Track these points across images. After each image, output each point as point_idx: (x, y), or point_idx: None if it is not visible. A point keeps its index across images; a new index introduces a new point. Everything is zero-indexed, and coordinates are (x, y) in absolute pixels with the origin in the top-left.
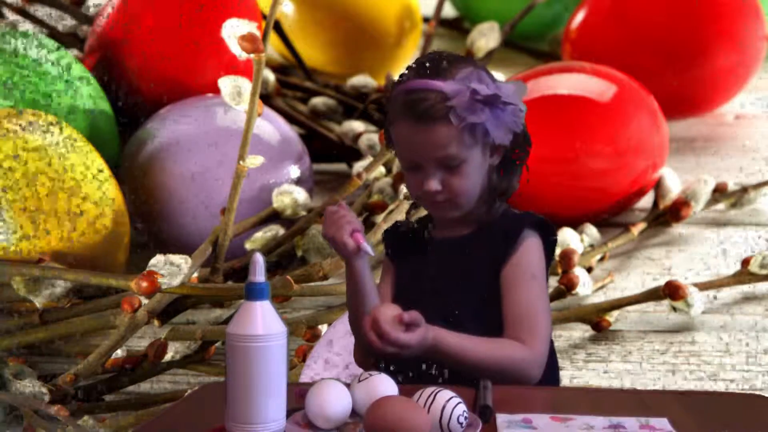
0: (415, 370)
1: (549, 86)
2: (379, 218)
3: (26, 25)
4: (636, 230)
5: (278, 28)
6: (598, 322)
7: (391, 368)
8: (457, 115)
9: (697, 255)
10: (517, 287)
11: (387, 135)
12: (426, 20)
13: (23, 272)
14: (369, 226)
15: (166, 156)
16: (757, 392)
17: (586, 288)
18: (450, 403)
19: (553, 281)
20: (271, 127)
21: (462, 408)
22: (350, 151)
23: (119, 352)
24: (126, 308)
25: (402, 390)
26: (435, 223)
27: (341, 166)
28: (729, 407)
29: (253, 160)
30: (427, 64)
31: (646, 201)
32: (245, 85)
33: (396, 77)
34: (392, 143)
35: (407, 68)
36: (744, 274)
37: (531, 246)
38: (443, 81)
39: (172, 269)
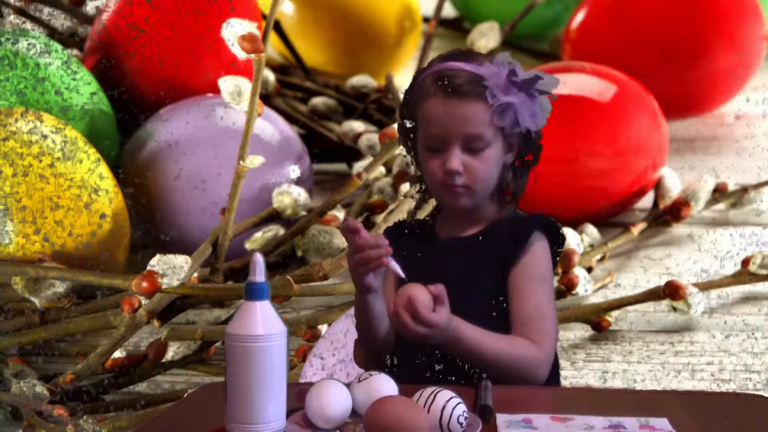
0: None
1: None
2: (379, 218)
3: (26, 25)
4: (636, 230)
5: (278, 28)
6: (598, 322)
7: (394, 369)
8: (493, 93)
9: (697, 255)
10: (527, 289)
11: (403, 128)
12: (426, 20)
13: (23, 272)
14: (369, 226)
15: (166, 156)
16: (757, 392)
17: (586, 288)
18: (450, 403)
19: (553, 281)
20: (271, 127)
21: (462, 408)
22: (350, 151)
23: (119, 352)
24: (126, 308)
25: (402, 390)
26: (440, 222)
27: (341, 166)
28: (729, 407)
29: (253, 160)
30: (456, 53)
31: (646, 201)
32: (245, 85)
33: (398, 85)
34: (407, 132)
35: (432, 60)
36: (744, 274)
37: (540, 248)
38: (478, 65)
39: (172, 269)
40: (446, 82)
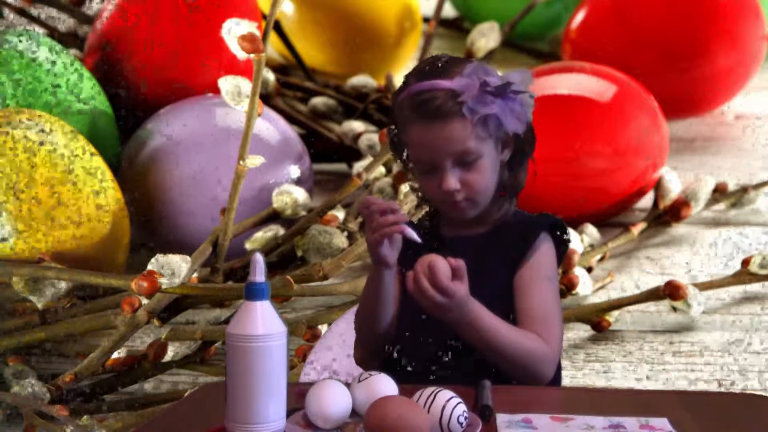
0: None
1: (549, 86)
2: None
3: (26, 25)
4: (636, 230)
5: (278, 28)
6: (598, 322)
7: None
8: (470, 108)
9: (697, 255)
10: (534, 288)
11: (394, 141)
12: (426, 20)
13: (23, 272)
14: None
15: (166, 156)
16: (757, 392)
17: (586, 288)
18: (450, 403)
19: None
20: (271, 127)
21: (462, 408)
22: (350, 151)
23: (119, 352)
24: (126, 308)
25: (402, 390)
26: (445, 221)
27: (341, 166)
28: (729, 407)
29: (253, 160)
30: (428, 68)
31: (646, 201)
32: (245, 85)
33: (397, 85)
34: (400, 149)
35: (407, 75)
36: (744, 274)
37: (547, 248)
38: (449, 79)
39: (172, 269)
40: (423, 107)
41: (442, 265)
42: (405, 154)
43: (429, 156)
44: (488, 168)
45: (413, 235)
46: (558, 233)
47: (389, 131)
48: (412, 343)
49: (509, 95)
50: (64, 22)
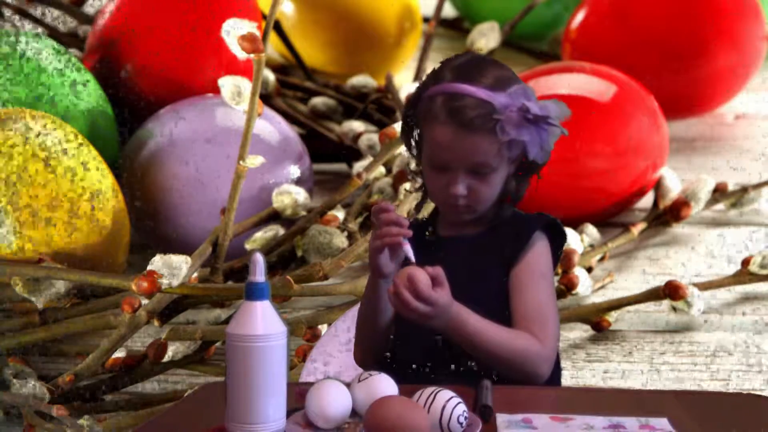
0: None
1: (549, 86)
2: None
3: (26, 25)
4: (636, 230)
5: (278, 28)
6: (598, 322)
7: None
8: (504, 129)
9: (697, 255)
10: (528, 286)
11: (409, 129)
12: (426, 20)
13: (23, 272)
14: (369, 226)
15: (166, 156)
16: (757, 392)
17: (586, 288)
18: (450, 403)
19: (554, 280)
20: (271, 127)
21: (462, 408)
22: (350, 151)
23: (119, 352)
24: (126, 308)
25: (402, 390)
26: (442, 220)
27: (341, 166)
28: (729, 407)
29: (253, 160)
30: (466, 67)
31: (646, 201)
32: (245, 85)
33: (398, 84)
34: (411, 139)
35: (441, 67)
36: (744, 274)
37: (541, 247)
38: (491, 91)
39: (172, 269)
40: (456, 113)
41: (420, 275)
42: (417, 144)
43: (446, 158)
44: (498, 181)
45: (409, 252)
46: (553, 232)
47: (406, 117)
48: (410, 344)
49: (543, 126)
50: (64, 22)
